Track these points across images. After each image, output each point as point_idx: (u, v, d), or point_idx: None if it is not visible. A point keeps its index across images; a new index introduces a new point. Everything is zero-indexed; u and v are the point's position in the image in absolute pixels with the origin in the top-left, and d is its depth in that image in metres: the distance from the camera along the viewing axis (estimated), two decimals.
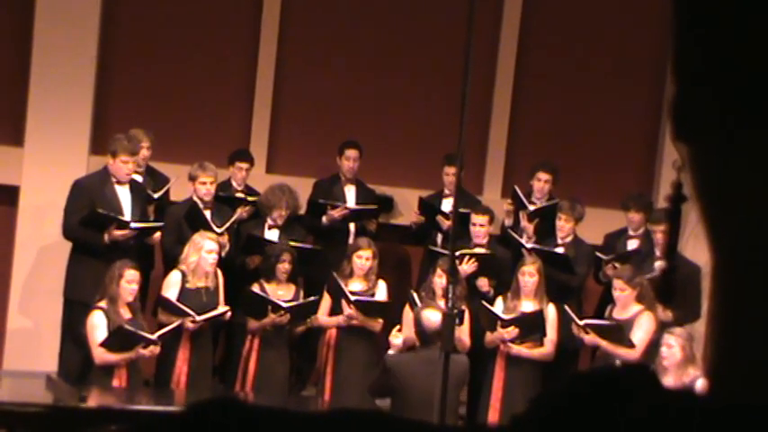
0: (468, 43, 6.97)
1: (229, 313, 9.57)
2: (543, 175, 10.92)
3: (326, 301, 9.89)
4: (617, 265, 10.13)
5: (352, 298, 9.66)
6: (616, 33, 12.06)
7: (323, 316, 9.88)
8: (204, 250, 9.47)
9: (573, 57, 12.04)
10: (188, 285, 9.50)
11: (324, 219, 10.84)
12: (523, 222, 10.75)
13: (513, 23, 11.96)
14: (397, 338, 8.90)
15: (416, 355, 8.55)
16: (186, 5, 11.59)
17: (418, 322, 8.56)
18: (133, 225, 9.77)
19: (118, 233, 9.67)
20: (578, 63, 12.05)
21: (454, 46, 10.90)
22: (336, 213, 10.81)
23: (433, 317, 8.47)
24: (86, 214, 9.66)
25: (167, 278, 9.63)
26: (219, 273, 9.68)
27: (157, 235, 10.15)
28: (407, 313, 9.67)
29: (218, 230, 10.00)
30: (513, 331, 9.47)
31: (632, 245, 10.59)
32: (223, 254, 10.25)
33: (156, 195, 10.36)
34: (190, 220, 10.09)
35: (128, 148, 9.92)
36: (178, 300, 9.41)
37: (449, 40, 11.39)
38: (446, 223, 10.73)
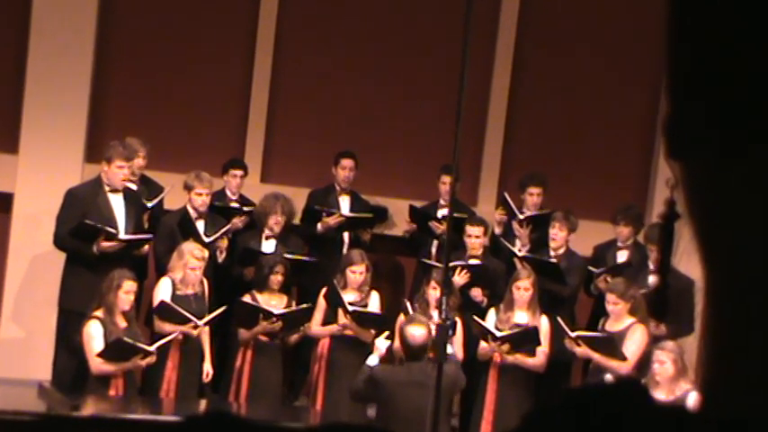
0: (464, 54, 6.98)
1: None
2: (534, 189, 10.97)
3: (319, 313, 9.90)
4: (609, 278, 10.14)
5: (350, 308, 9.67)
6: (611, 48, 12.08)
7: (316, 326, 9.89)
8: (190, 258, 9.47)
9: (568, 70, 12.06)
10: (178, 292, 9.51)
11: (319, 226, 10.86)
12: (517, 229, 10.78)
13: (509, 35, 11.98)
14: (382, 343, 8.91)
15: (403, 368, 8.54)
16: (182, 14, 11.60)
17: (403, 338, 8.57)
18: (122, 237, 9.76)
19: (106, 245, 9.65)
20: (573, 76, 12.07)
21: (450, 57, 10.92)
22: (332, 221, 10.82)
23: (416, 333, 8.47)
24: (75, 225, 9.63)
25: (158, 285, 9.64)
26: (204, 279, 9.69)
27: (146, 247, 10.14)
28: (401, 323, 9.69)
29: (206, 240, 10.01)
30: (504, 347, 9.47)
31: (622, 257, 10.63)
32: (220, 260, 10.28)
33: (149, 204, 10.36)
34: (181, 229, 10.11)
35: (123, 153, 9.91)
36: None
37: (444, 52, 11.41)
38: (440, 228, 10.75)
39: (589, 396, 1.19)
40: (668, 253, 1.28)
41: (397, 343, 9.12)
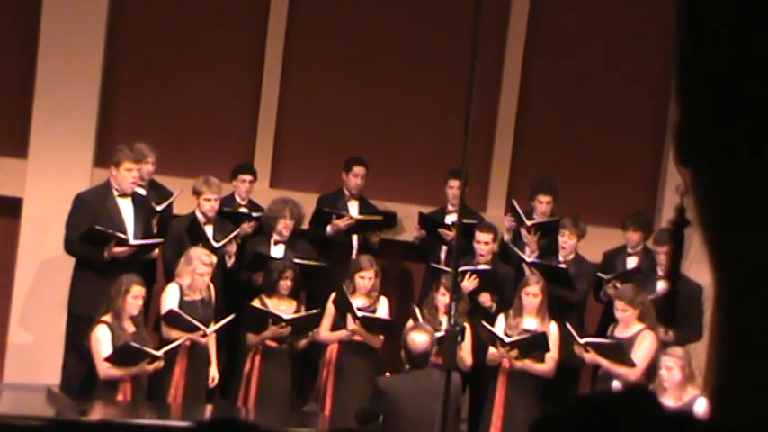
0: (473, 60, 6.98)
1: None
2: (544, 198, 10.93)
3: (328, 319, 9.89)
4: (618, 284, 10.13)
5: (359, 314, 9.67)
6: (620, 54, 12.07)
7: (324, 331, 9.89)
8: (199, 264, 9.47)
9: (577, 75, 12.05)
10: (186, 298, 9.51)
11: (328, 228, 10.86)
12: (525, 236, 10.78)
13: (518, 42, 11.98)
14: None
15: (407, 376, 8.50)
16: (191, 19, 11.61)
17: (405, 345, 8.54)
18: (132, 242, 9.77)
19: (117, 250, 9.66)
20: (583, 81, 12.07)
21: (459, 63, 10.92)
22: (342, 223, 10.82)
23: (418, 339, 8.45)
24: (86, 231, 9.63)
25: (165, 291, 9.63)
26: (211, 285, 9.69)
27: (156, 251, 10.15)
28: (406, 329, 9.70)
29: (216, 245, 10.02)
30: (513, 353, 9.46)
31: (631, 263, 10.61)
32: (229, 265, 10.28)
33: (159, 208, 10.37)
34: (190, 234, 10.12)
35: (131, 156, 9.91)
36: None
37: (453, 57, 11.40)
38: (449, 235, 10.74)
39: (597, 403, 1.19)
40: (678, 260, 1.28)
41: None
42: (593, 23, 12.06)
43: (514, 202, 11.04)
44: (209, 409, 9.63)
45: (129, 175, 9.85)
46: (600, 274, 10.51)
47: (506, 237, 11.06)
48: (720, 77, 1.13)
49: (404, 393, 8.31)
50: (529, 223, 10.78)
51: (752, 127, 1.12)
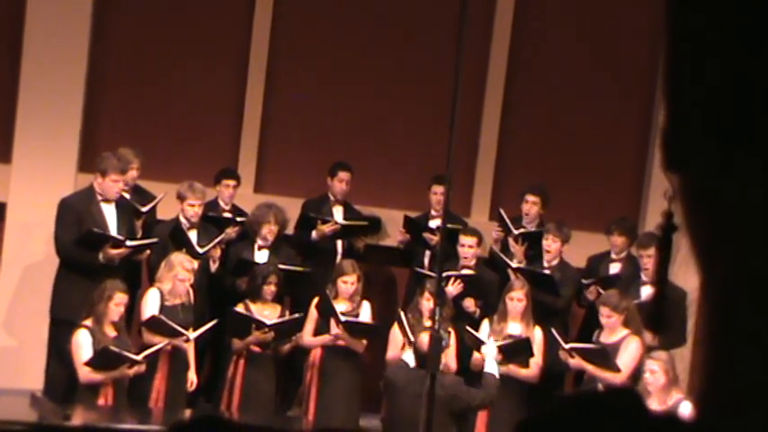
0: (458, 65, 6.99)
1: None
2: (531, 197, 10.95)
3: (311, 323, 9.90)
4: (600, 289, 10.15)
5: (342, 318, 9.67)
6: (606, 58, 12.09)
7: (308, 336, 9.89)
8: (180, 270, 9.45)
9: (562, 80, 12.06)
10: (167, 303, 9.49)
11: (314, 234, 10.85)
12: (512, 245, 10.77)
13: (503, 46, 11.99)
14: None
15: (411, 372, 8.60)
16: (175, 24, 11.59)
17: (414, 346, 8.67)
18: (129, 243, 9.75)
19: (114, 252, 9.64)
20: (567, 86, 12.08)
21: (443, 66, 10.92)
22: (327, 229, 10.80)
23: (426, 341, 8.51)
24: (82, 234, 9.62)
25: (146, 296, 9.61)
26: (190, 289, 9.67)
27: (147, 252, 10.14)
28: (394, 333, 9.70)
29: (200, 251, 9.99)
30: (497, 357, 9.48)
31: (614, 268, 10.62)
32: (213, 270, 10.26)
33: (144, 209, 10.34)
34: (173, 239, 10.09)
35: (117, 167, 9.91)
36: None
37: (438, 61, 11.41)
38: (434, 239, 10.74)
39: (582, 403, 1.19)
40: (666, 265, 1.28)
41: (393, 350, 9.12)
42: (578, 28, 12.07)
43: (501, 211, 11.02)
44: (189, 413, 9.62)
45: (114, 186, 9.87)
46: (582, 280, 10.53)
47: (495, 247, 11.04)
48: (711, 79, 1.13)
49: (401, 385, 8.42)
50: (516, 232, 10.76)
51: (741, 129, 1.12)
